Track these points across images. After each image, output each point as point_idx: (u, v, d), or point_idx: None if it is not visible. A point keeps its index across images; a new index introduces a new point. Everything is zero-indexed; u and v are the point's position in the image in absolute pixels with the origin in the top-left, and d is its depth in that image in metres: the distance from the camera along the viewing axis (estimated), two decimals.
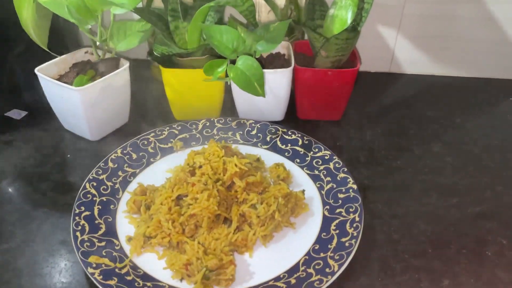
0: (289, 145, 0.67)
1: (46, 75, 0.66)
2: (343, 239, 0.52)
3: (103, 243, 0.53)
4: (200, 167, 0.57)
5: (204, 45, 0.65)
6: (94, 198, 0.58)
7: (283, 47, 0.75)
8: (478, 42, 0.83)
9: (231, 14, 0.75)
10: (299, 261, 0.51)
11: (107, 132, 0.72)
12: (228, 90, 0.73)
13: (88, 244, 0.52)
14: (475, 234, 0.56)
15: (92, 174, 0.61)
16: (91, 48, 0.72)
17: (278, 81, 0.68)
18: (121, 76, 0.69)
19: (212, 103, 0.73)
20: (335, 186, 0.60)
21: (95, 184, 0.60)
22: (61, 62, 0.70)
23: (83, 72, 0.69)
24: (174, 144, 0.68)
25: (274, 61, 0.72)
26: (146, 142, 0.67)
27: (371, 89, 0.85)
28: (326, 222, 0.55)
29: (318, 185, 0.61)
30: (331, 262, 0.50)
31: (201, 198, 0.53)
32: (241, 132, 0.70)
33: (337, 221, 0.55)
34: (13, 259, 0.53)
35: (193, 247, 0.51)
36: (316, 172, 0.63)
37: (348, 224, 0.54)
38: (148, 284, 0.49)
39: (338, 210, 0.56)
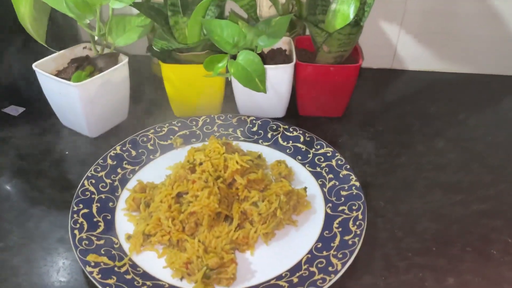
0: (290, 142, 0.67)
1: (44, 70, 0.65)
2: (346, 237, 0.51)
3: (101, 241, 0.52)
4: (201, 164, 0.56)
5: (204, 40, 0.65)
6: (93, 196, 0.57)
7: (284, 42, 0.74)
8: (481, 39, 0.83)
9: (231, 9, 0.74)
10: (301, 260, 0.50)
11: (106, 129, 0.71)
12: (228, 86, 0.72)
13: (87, 242, 0.51)
14: (479, 232, 0.55)
15: (91, 171, 0.60)
16: (89, 43, 0.71)
17: (280, 77, 0.68)
18: (120, 71, 0.68)
19: (213, 99, 0.73)
20: (337, 183, 0.59)
21: (93, 181, 0.59)
22: (59, 58, 0.70)
23: (82, 68, 0.68)
24: (174, 141, 0.67)
25: (275, 57, 0.72)
26: (145, 139, 0.67)
27: (373, 86, 0.84)
28: (328, 220, 0.55)
29: (320, 183, 0.60)
30: (334, 260, 0.49)
31: (201, 196, 0.53)
32: (242, 129, 0.69)
33: (340, 219, 0.54)
34: (10, 257, 0.52)
35: (193, 245, 0.50)
36: (318, 169, 0.62)
37: (351, 222, 0.53)
38: (148, 283, 0.48)
39: (340, 208, 0.56)
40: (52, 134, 0.71)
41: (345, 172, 0.60)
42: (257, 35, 0.62)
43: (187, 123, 0.69)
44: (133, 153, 0.65)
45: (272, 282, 0.48)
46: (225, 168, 0.56)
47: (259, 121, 0.70)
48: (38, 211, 0.58)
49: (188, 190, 0.54)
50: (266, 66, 0.64)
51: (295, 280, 0.48)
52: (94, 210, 0.56)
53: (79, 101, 0.64)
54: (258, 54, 0.61)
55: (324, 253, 0.50)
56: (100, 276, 0.47)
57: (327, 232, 0.53)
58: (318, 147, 0.65)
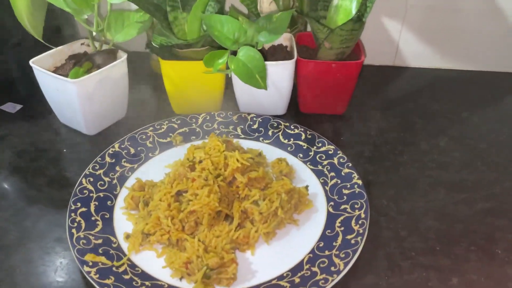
0: (291, 139, 0.66)
1: (42, 67, 0.65)
2: (349, 237, 0.51)
3: (100, 241, 0.51)
4: (201, 162, 0.56)
5: (204, 36, 0.64)
6: (91, 194, 0.56)
7: (285, 38, 0.73)
8: (484, 35, 0.82)
9: (232, 4, 0.73)
10: (303, 259, 0.50)
11: (104, 126, 0.71)
12: (228, 83, 0.71)
13: (84, 241, 0.50)
14: (484, 231, 0.54)
15: (89, 169, 0.59)
16: (87, 39, 0.71)
17: (281, 74, 0.67)
18: (119, 68, 0.67)
19: (213, 96, 0.72)
20: (339, 181, 0.58)
21: (91, 179, 0.58)
22: (57, 54, 0.69)
23: (80, 64, 0.67)
24: (174, 138, 0.66)
25: (276, 53, 0.71)
26: (144, 137, 0.66)
27: (375, 83, 0.83)
28: (330, 219, 0.54)
29: (322, 181, 0.59)
30: (336, 260, 0.48)
31: (201, 194, 0.52)
32: (242, 126, 0.68)
33: (342, 217, 0.54)
34: (7, 257, 0.52)
35: (193, 245, 0.49)
36: (320, 167, 0.61)
37: (353, 221, 0.52)
38: (147, 283, 0.47)
39: (343, 207, 0.55)
40: (49, 132, 0.71)
41: (347, 170, 0.59)
42: (257, 31, 0.61)
43: (186, 121, 0.69)
44: (132, 150, 0.64)
45: (273, 282, 0.47)
46: (225, 166, 0.55)
47: (259, 119, 0.69)
48: (36, 210, 0.57)
49: (187, 188, 0.53)
50: (267, 62, 0.63)
51: (297, 280, 0.47)
52: (92, 208, 0.55)
53: (77, 98, 0.63)
54: (258, 50, 0.60)
55: (326, 252, 0.50)
56: (98, 276, 0.46)
57: (329, 231, 0.53)
58: (320, 144, 0.64)
